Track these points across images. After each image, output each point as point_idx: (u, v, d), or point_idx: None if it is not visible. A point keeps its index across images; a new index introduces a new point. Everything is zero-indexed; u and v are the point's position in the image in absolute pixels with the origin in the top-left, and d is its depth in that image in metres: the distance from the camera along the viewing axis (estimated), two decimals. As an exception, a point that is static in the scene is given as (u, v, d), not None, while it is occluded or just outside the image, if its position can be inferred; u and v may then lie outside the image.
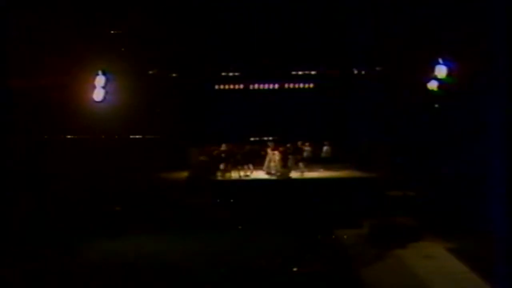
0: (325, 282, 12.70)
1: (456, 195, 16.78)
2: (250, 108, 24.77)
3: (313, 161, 22.67)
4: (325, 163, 23.08)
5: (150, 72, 22.77)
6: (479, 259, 12.24)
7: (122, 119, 18.91)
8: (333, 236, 16.40)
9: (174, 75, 23.99)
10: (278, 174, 21.59)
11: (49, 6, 17.38)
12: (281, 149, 21.92)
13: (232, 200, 19.37)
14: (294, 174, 21.71)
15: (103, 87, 17.61)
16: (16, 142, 16.82)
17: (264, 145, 22.77)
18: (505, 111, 8.12)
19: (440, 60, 17.70)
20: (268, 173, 21.84)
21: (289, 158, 21.85)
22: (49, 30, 17.47)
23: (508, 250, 8.09)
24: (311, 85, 25.09)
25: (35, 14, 16.97)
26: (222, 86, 25.27)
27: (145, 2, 20.46)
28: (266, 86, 25.29)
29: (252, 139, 24.38)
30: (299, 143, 22.57)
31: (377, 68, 22.98)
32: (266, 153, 22.12)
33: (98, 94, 17.59)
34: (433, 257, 14.09)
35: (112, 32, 19.05)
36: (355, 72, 24.17)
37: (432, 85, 18.10)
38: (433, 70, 17.88)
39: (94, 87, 17.60)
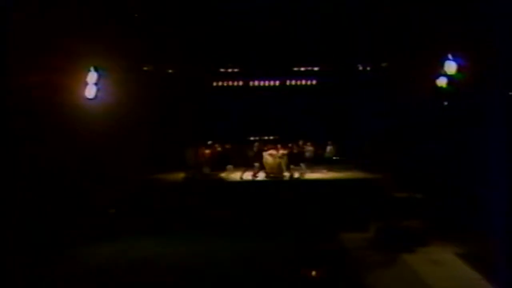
0: (328, 288, 12.41)
1: (465, 198, 16.13)
2: (249, 106, 24.43)
3: (316, 162, 22.20)
4: (328, 163, 22.75)
5: (145, 68, 22.20)
6: (491, 265, 11.92)
7: (115, 117, 18.38)
8: (338, 240, 16.06)
9: (170, 71, 23.49)
10: (278, 175, 20.93)
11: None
12: (281, 149, 21.32)
13: (231, 202, 18.78)
14: (295, 175, 21.13)
15: (95, 84, 17.07)
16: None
17: (251, 145, 22.11)
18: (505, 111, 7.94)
19: (450, 56, 17.29)
20: (267, 174, 21.11)
21: (290, 159, 21.19)
22: (38, 24, 16.91)
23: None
24: (314, 82, 24.70)
25: (23, 9, 16.42)
26: (220, 83, 24.88)
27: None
28: (267, 83, 24.89)
29: (251, 138, 23.82)
30: (301, 142, 22.01)
31: (383, 64, 22.64)
32: (254, 153, 21.35)
33: (90, 91, 17.02)
34: (442, 263, 13.71)
35: (106, 26, 18.46)
36: (360, 68, 23.82)
37: (442, 81, 17.79)
38: (442, 66, 17.51)
39: (86, 83, 17.03)
